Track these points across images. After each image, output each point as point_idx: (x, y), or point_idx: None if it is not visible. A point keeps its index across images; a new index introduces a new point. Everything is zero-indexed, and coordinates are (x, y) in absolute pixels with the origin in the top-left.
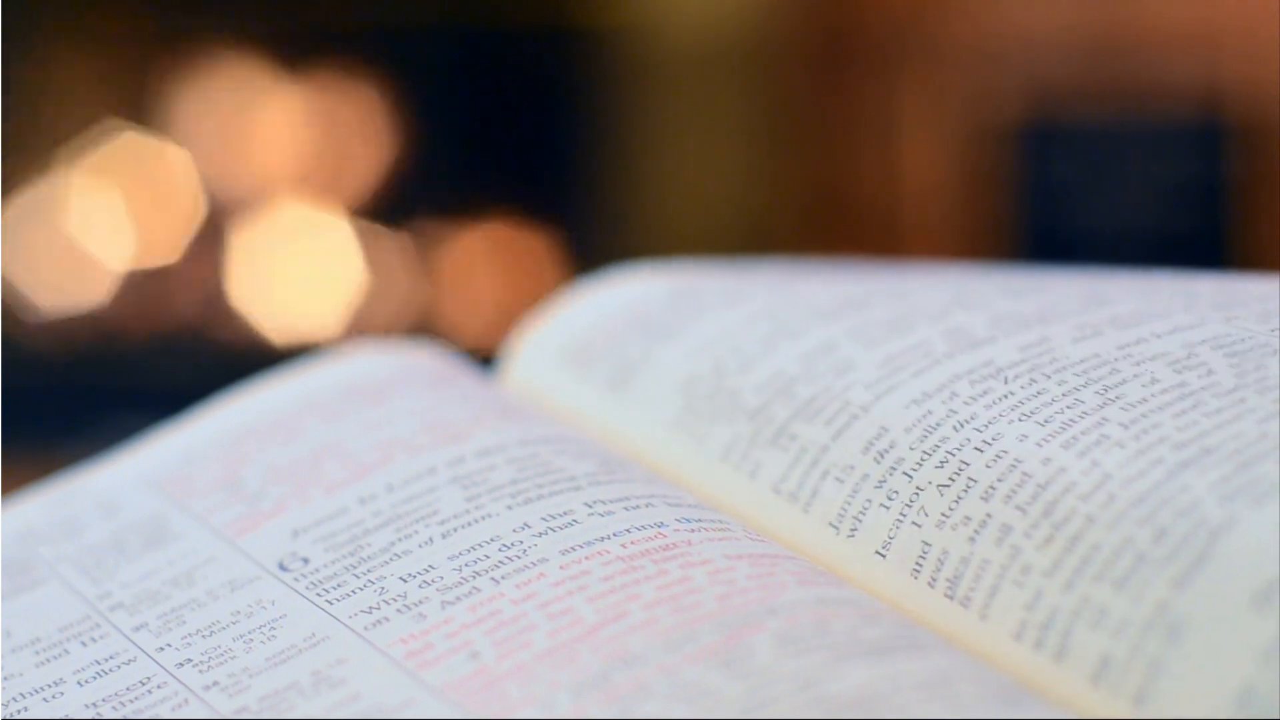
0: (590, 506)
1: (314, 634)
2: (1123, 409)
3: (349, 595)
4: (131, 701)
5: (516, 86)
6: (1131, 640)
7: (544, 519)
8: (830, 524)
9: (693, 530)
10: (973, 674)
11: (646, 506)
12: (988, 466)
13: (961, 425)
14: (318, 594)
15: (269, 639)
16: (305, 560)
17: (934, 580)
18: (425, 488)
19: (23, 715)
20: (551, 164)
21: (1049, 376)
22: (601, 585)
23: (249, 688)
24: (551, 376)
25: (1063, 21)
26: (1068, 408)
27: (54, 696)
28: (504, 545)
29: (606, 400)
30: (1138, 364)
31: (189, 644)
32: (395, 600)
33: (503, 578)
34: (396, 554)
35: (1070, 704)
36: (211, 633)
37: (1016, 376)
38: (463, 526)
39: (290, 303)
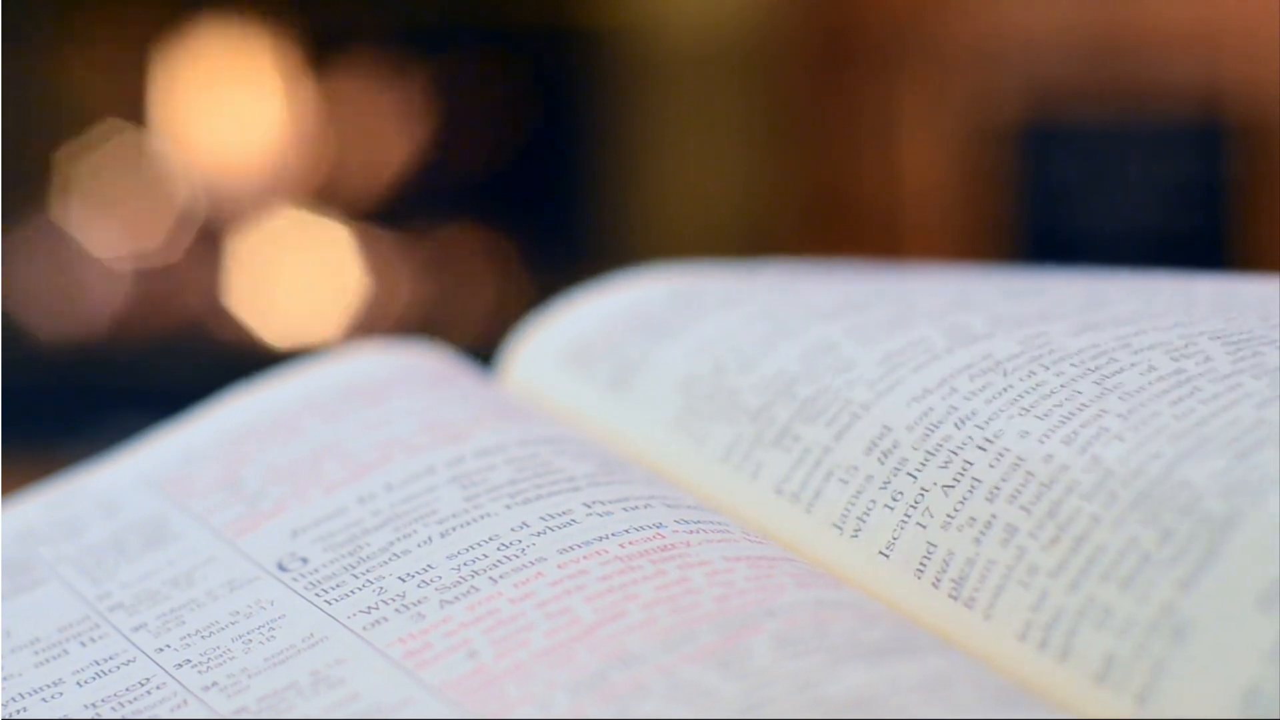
0: (589, 507)
1: (313, 634)
2: (1120, 399)
3: (348, 595)
4: (130, 702)
5: (518, 87)
6: (1136, 640)
7: (542, 519)
8: (834, 525)
9: (691, 532)
10: (971, 676)
11: (645, 507)
12: (991, 466)
13: (963, 422)
14: (316, 594)
15: (268, 639)
16: (304, 560)
17: (938, 581)
18: (424, 487)
19: (22, 715)
20: (552, 164)
21: (1047, 368)
22: (599, 585)
23: (248, 688)
24: (552, 377)
25: (1063, 21)
26: (1066, 399)
27: (53, 697)
28: (502, 545)
29: (607, 400)
30: (1135, 353)
31: (188, 644)
32: (394, 600)
33: (501, 577)
34: (395, 554)
35: (1072, 705)
36: (210, 633)
37: (1015, 369)
38: (461, 526)
39: (290, 303)
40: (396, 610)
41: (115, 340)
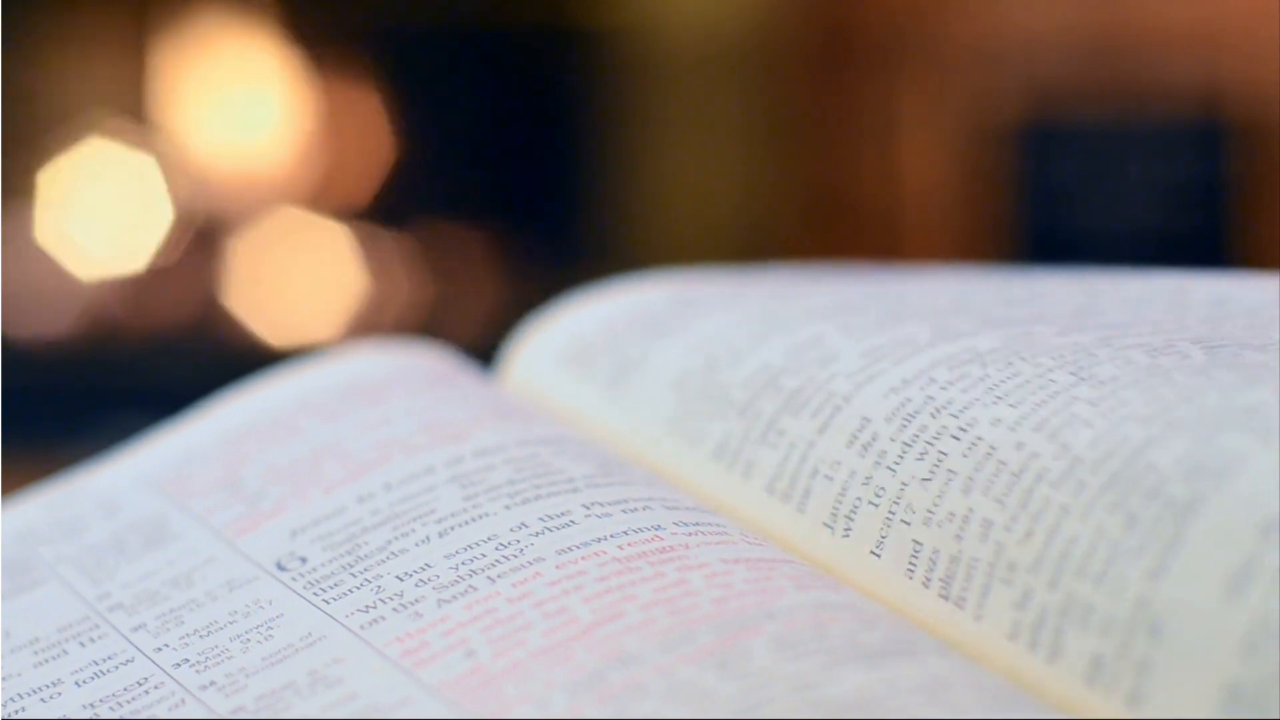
0: (588, 508)
1: (310, 633)
2: (1092, 387)
3: (346, 594)
4: (129, 702)
5: (516, 86)
6: (1119, 639)
7: (541, 519)
8: (825, 524)
9: (690, 534)
10: (969, 678)
11: (644, 509)
12: (964, 455)
13: (938, 412)
14: (315, 593)
15: (266, 639)
16: (303, 560)
17: (928, 580)
18: (423, 487)
19: (21, 715)
20: (552, 164)
21: (1025, 359)
22: (597, 586)
23: (246, 687)
24: (551, 377)
25: (1063, 21)
26: (1040, 388)
27: (52, 697)
28: (501, 545)
29: (605, 400)
30: (1116, 350)
31: (186, 644)
32: (392, 599)
33: (499, 577)
34: (393, 552)
35: (1068, 706)
36: (209, 633)
37: (994, 360)
38: (460, 525)
39: (289, 303)
40: (394, 609)
41: (115, 340)
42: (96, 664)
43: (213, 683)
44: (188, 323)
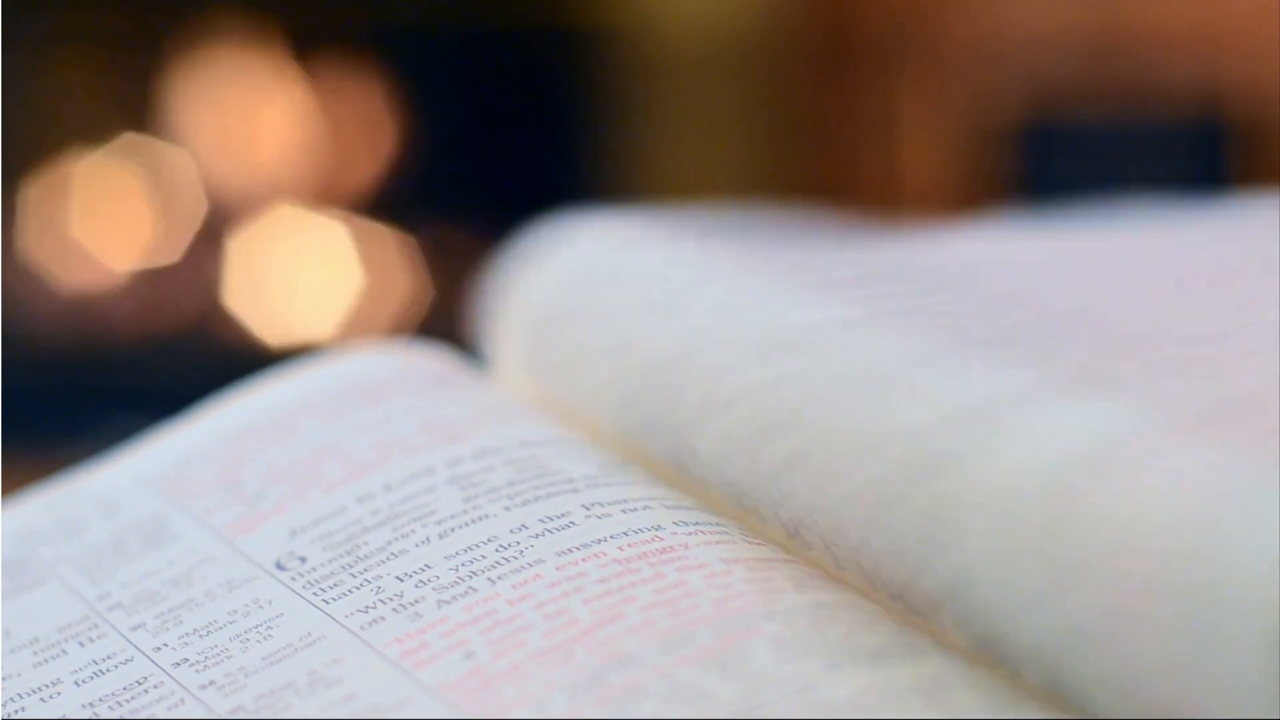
0: (588, 509)
1: (310, 633)
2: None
3: (345, 594)
4: (128, 701)
5: (516, 86)
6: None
7: (541, 520)
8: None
9: (690, 534)
10: (968, 680)
11: (644, 509)
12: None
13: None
14: (314, 593)
15: (265, 638)
16: (302, 559)
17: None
18: (423, 487)
19: (21, 715)
20: (551, 163)
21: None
22: (597, 587)
23: (245, 687)
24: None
25: (1063, 21)
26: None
27: (51, 696)
28: (500, 546)
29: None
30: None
31: (186, 644)
32: (391, 600)
33: (499, 578)
34: (393, 553)
35: (1067, 707)
36: (208, 632)
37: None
38: (460, 526)
39: (289, 303)
40: (394, 610)
41: (115, 340)
42: (96, 663)
43: (212, 682)
44: (187, 322)
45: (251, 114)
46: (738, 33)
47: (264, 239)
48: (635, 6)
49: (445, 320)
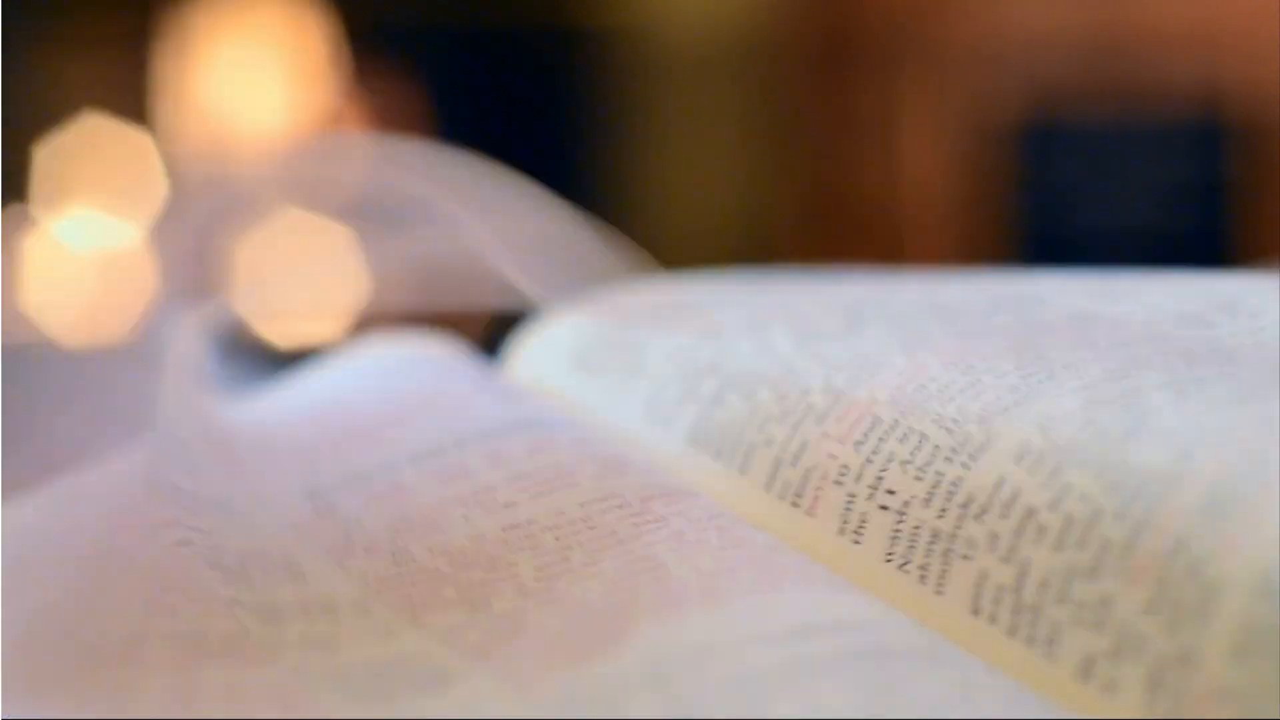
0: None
1: None
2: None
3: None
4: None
5: (517, 86)
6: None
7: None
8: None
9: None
10: (985, 680)
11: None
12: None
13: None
14: None
15: None
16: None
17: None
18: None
19: None
20: (551, 163)
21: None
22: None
23: None
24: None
25: (1063, 21)
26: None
27: None
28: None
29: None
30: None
31: None
32: None
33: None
34: None
35: (1082, 706)
36: None
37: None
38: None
39: (291, 304)
40: None
41: (112, 340)
42: None
43: None
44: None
45: (253, 112)
46: (738, 33)
47: (265, 238)
48: (635, 7)
49: (446, 320)
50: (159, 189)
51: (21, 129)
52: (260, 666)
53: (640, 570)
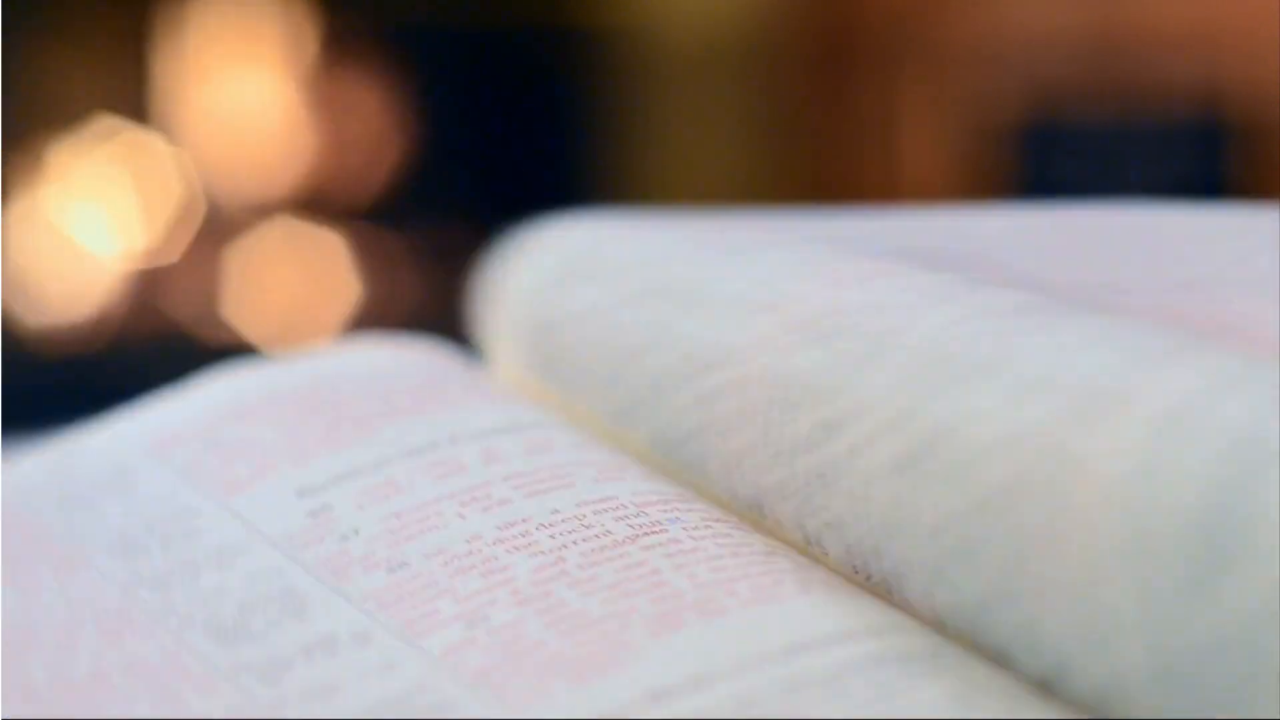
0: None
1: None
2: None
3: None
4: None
5: (517, 86)
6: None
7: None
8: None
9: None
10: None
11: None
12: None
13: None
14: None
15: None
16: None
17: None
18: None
19: None
20: (551, 163)
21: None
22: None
23: None
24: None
25: (1063, 21)
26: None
27: None
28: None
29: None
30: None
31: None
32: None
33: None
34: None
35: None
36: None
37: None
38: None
39: (286, 307)
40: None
41: (115, 341)
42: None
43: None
44: (185, 327)
45: (252, 116)
46: (738, 33)
47: (261, 243)
48: (635, 6)
49: (445, 319)
50: (167, 190)
51: (21, 129)
52: None
53: (637, 579)
